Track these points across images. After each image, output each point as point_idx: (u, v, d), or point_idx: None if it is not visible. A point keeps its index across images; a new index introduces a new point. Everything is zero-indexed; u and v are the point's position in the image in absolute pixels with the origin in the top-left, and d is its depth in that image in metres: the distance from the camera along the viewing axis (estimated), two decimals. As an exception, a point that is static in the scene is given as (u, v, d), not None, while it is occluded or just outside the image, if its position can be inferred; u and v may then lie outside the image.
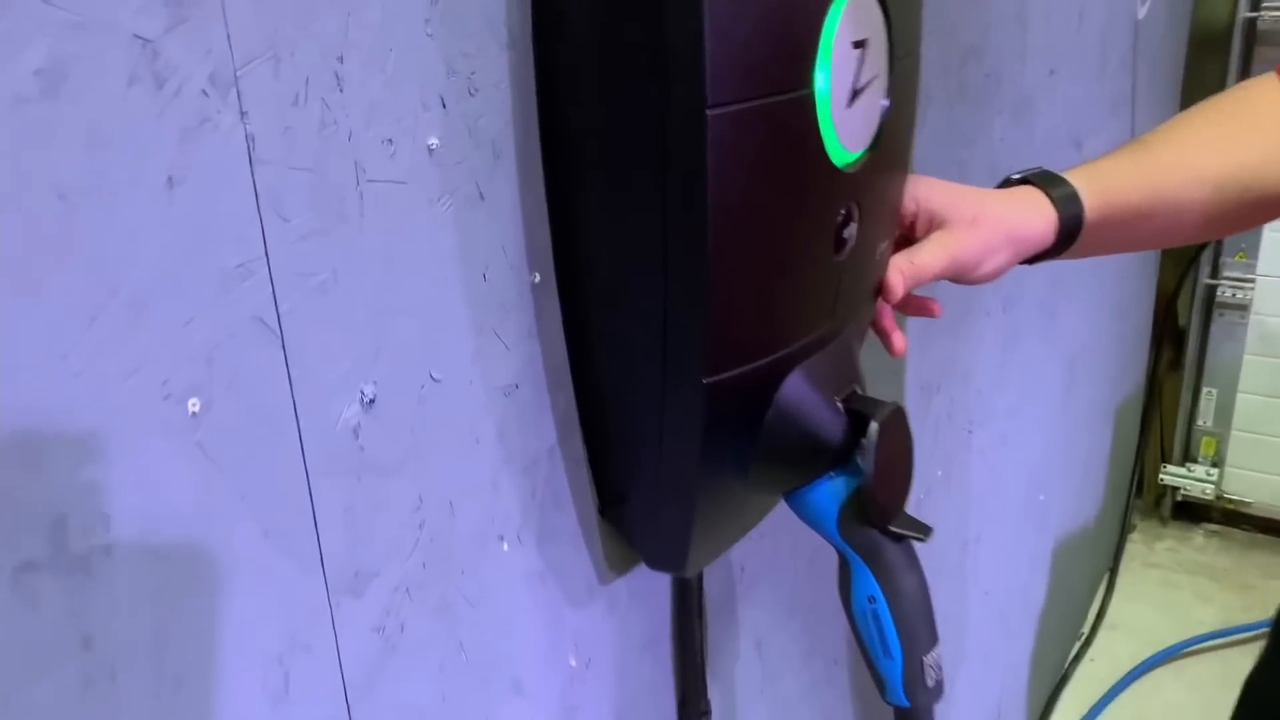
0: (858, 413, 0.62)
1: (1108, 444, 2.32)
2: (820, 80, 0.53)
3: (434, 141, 0.48)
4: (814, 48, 0.52)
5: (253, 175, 0.40)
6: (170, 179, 0.37)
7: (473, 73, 0.50)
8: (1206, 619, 2.42)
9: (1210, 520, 2.82)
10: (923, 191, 0.70)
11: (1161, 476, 2.76)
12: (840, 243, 0.60)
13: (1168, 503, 2.82)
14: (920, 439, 1.23)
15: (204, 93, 0.38)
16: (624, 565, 0.68)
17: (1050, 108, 1.47)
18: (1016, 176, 0.77)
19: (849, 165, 0.58)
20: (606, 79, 0.50)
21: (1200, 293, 2.60)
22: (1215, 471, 2.69)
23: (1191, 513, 2.82)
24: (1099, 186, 0.75)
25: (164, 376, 0.38)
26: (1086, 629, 2.40)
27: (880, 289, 0.70)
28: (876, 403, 0.63)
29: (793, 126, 0.52)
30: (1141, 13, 1.93)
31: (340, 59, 0.43)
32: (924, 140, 1.14)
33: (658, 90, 0.48)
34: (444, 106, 0.49)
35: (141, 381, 0.38)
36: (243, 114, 0.39)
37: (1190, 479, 2.71)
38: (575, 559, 0.63)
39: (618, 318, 0.55)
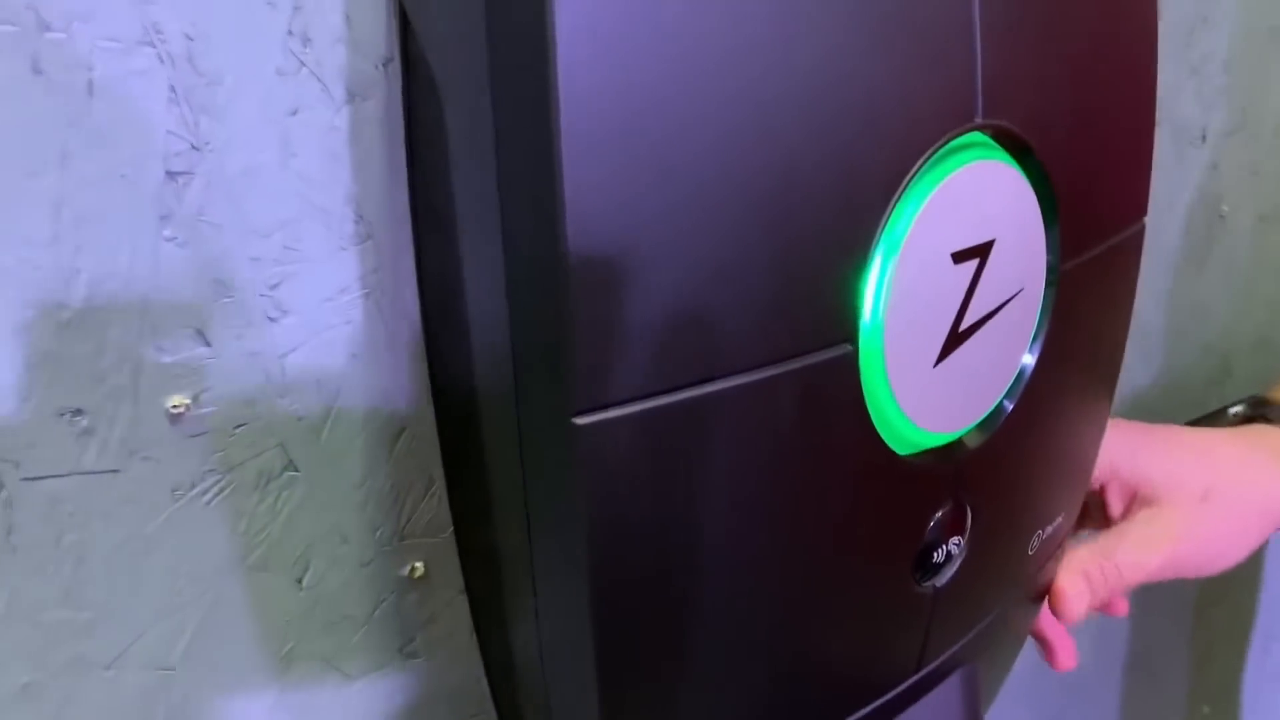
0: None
1: None
2: (866, 333, 0.30)
3: (178, 402, 0.30)
4: (852, 277, 0.29)
5: None
6: None
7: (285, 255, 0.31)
8: None
9: None
10: (1118, 450, 0.43)
11: None
12: (928, 568, 0.35)
13: None
14: (1170, 670, 0.90)
15: None
16: None
17: None
18: (1237, 411, 0.49)
19: (932, 456, 0.33)
20: (454, 359, 0.30)
21: None
22: None
23: None
24: None
25: None
26: None
27: (1048, 594, 0.44)
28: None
29: (792, 419, 0.29)
30: None
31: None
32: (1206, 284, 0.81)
33: (508, 385, 0.27)
34: (209, 346, 0.30)
35: None
36: None
37: None
38: None
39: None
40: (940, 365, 0.32)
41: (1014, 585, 0.41)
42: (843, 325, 0.29)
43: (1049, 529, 0.42)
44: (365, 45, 0.31)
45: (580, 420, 0.25)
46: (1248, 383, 0.76)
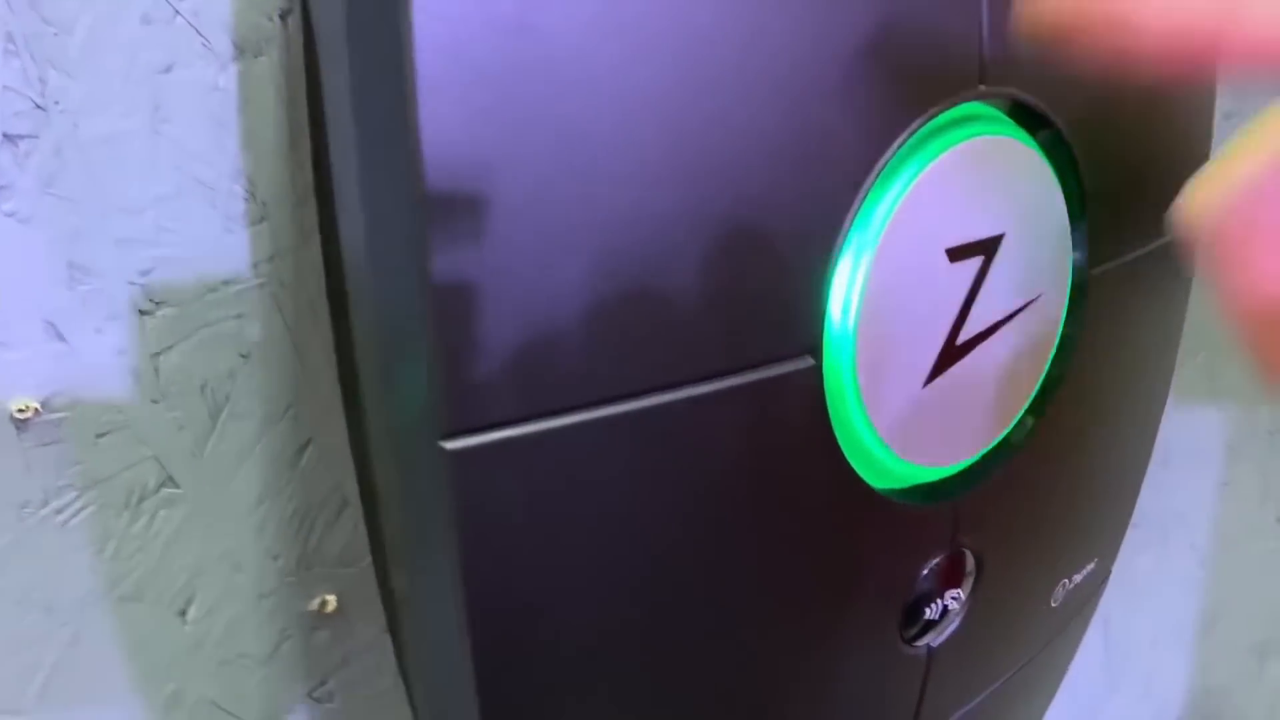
0: None
1: None
2: (833, 344, 0.24)
3: (24, 405, 0.26)
4: (811, 274, 0.23)
5: None
6: None
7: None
8: None
9: None
10: None
11: None
12: (919, 625, 0.30)
13: None
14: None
15: None
16: None
17: None
18: None
19: (921, 494, 0.28)
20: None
21: None
22: None
23: None
24: None
25: None
26: None
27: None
28: None
29: (732, 445, 0.23)
30: None
31: None
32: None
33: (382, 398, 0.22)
34: (63, 341, 0.26)
35: None
36: None
37: None
38: None
39: None
40: (931, 385, 0.26)
41: (1033, 643, 0.35)
42: (801, 333, 0.23)
43: (1078, 576, 0.36)
44: (257, -7, 0.27)
45: (450, 444, 0.20)
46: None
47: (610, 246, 0.20)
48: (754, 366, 0.23)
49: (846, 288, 0.24)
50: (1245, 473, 0.68)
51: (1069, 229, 0.28)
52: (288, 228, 0.29)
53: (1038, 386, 0.29)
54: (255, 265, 0.28)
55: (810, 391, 0.24)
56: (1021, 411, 0.29)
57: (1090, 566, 0.36)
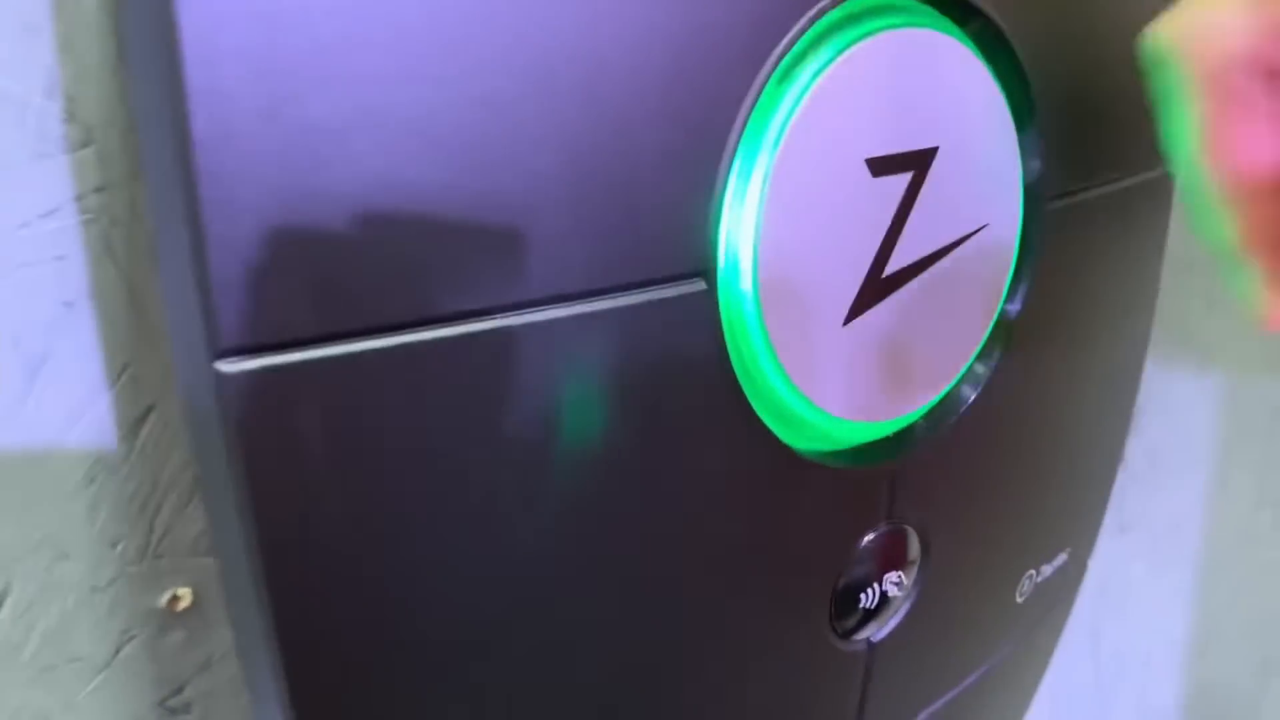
0: None
1: None
2: (729, 270, 0.20)
3: None
4: (693, 180, 0.19)
5: None
6: None
7: None
8: None
9: None
10: None
11: None
12: (854, 615, 0.26)
13: None
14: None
15: None
16: None
17: None
18: None
19: (851, 456, 0.24)
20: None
21: None
22: None
23: None
24: None
25: None
26: None
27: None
28: None
29: (593, 382, 0.19)
30: None
31: None
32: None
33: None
34: None
35: None
36: None
37: None
38: None
39: None
40: (854, 325, 0.22)
41: (996, 644, 0.31)
42: (687, 252, 0.20)
43: (1047, 569, 0.32)
44: (72, -122, 0.23)
45: (224, 366, 0.16)
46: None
47: (436, 136, 0.17)
48: (628, 288, 0.19)
49: (742, 198, 0.20)
50: (1240, 474, 0.64)
51: (1018, 151, 0.24)
52: (119, 156, 0.25)
53: (986, 335, 0.25)
54: (80, 198, 0.24)
55: (703, 323, 0.20)
56: (969, 363, 0.25)
57: (1061, 558, 0.32)
